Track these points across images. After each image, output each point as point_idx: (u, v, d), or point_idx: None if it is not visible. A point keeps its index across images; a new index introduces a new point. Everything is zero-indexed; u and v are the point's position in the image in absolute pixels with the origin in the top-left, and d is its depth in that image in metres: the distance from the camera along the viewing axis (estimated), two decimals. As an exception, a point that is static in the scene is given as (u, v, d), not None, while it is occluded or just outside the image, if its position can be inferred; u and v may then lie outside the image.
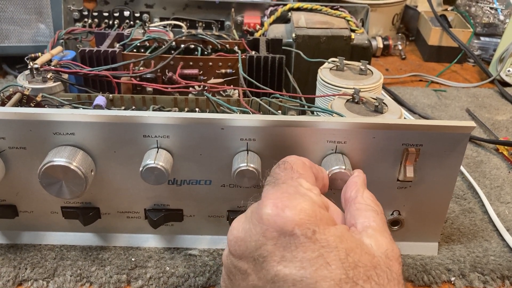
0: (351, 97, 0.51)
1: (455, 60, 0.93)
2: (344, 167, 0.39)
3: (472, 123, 0.40)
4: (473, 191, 0.57)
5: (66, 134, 0.40)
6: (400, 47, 0.99)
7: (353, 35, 0.67)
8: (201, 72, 0.57)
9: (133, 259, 0.45)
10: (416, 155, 0.41)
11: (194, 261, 0.45)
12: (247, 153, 0.41)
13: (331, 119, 0.40)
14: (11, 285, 0.42)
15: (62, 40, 0.68)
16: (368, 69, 0.59)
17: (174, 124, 0.40)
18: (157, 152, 0.40)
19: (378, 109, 0.48)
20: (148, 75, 0.56)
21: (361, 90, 0.52)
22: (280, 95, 0.51)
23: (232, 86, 0.55)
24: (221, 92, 0.55)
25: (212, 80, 0.56)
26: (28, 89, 0.49)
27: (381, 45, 0.95)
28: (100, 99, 0.47)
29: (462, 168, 0.60)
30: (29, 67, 0.52)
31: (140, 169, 0.39)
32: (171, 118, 0.40)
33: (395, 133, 0.40)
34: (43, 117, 0.39)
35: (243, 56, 0.57)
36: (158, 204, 0.45)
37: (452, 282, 0.44)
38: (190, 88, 0.54)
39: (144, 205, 0.45)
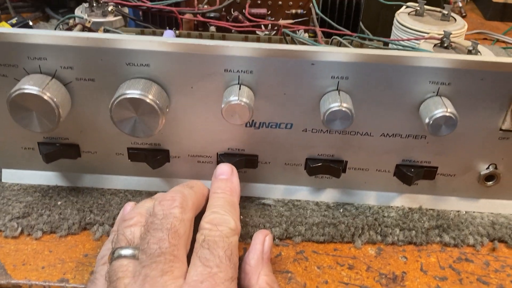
0: (439, 41, 0.46)
1: (523, 19, 0.86)
2: (448, 110, 0.35)
3: None
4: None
5: (140, 65, 0.36)
6: (460, 4, 0.92)
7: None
8: (269, 12, 0.53)
9: (203, 207, 0.42)
10: (527, 102, 0.37)
11: (268, 211, 0.42)
12: (339, 93, 0.37)
13: (439, 55, 0.35)
14: (77, 228, 0.39)
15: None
16: (451, 15, 0.54)
17: (260, 57, 0.36)
18: (240, 88, 0.37)
19: (472, 54, 0.44)
20: (212, 14, 0.52)
21: (450, 34, 0.47)
22: (361, 37, 0.47)
23: (304, 26, 0.50)
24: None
25: (282, 21, 0.52)
26: (89, 22, 0.45)
27: (440, 1, 0.88)
28: (169, 33, 0.43)
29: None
30: (88, -1, 0.48)
31: (222, 106, 0.36)
32: (258, 50, 0.35)
33: (507, 75, 0.36)
34: (117, 44, 0.36)
35: (316, -4, 0.52)
36: (232, 148, 0.41)
37: (551, 245, 0.40)
38: (259, 29, 0.50)
39: (217, 149, 0.41)
